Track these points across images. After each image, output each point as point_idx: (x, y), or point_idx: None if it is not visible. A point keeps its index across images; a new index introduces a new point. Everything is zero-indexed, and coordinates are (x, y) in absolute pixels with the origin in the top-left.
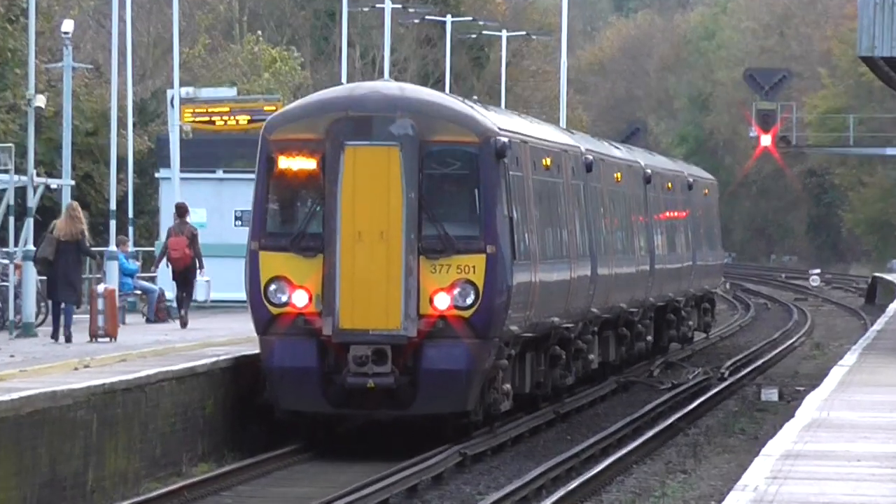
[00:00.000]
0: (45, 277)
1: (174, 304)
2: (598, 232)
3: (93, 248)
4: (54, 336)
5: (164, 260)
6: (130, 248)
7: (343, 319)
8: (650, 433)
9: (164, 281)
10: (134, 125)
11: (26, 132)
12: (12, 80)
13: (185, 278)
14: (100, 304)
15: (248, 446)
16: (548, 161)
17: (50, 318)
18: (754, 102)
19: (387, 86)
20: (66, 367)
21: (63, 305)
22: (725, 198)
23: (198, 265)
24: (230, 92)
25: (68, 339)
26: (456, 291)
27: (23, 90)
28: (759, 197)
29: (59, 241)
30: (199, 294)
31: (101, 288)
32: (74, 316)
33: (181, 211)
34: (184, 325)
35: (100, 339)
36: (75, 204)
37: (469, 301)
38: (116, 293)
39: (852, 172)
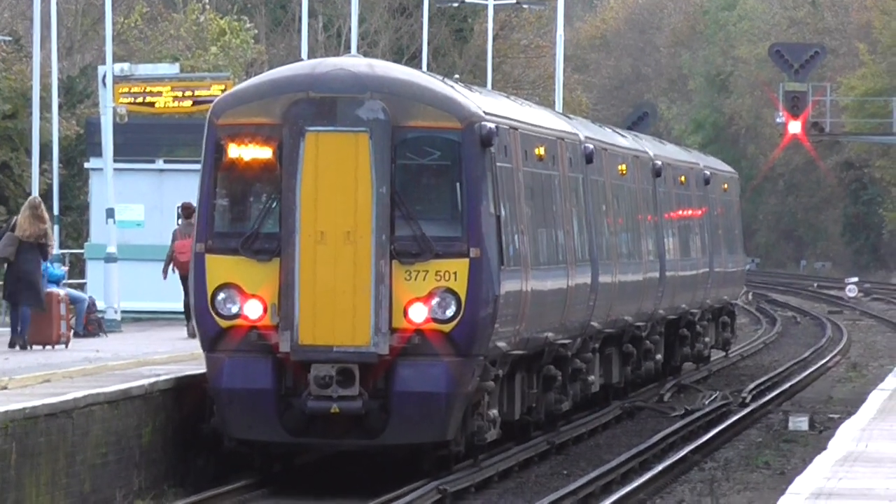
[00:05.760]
0: None
1: (105, 316)
2: (600, 233)
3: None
4: (13, 344)
5: (171, 265)
6: (56, 250)
7: (303, 334)
8: (659, 467)
9: (95, 289)
10: (60, 107)
11: None
12: None
13: None
14: (62, 308)
15: (193, 481)
16: (541, 150)
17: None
18: (782, 83)
19: (354, 62)
20: None
21: (21, 310)
22: (748, 194)
23: None
24: (172, 69)
25: (24, 347)
26: (434, 302)
27: None
28: (786, 193)
29: (21, 241)
30: None
31: (62, 292)
32: None
33: (188, 212)
34: (192, 335)
35: (56, 346)
36: (39, 201)
37: (449, 313)
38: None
39: None
